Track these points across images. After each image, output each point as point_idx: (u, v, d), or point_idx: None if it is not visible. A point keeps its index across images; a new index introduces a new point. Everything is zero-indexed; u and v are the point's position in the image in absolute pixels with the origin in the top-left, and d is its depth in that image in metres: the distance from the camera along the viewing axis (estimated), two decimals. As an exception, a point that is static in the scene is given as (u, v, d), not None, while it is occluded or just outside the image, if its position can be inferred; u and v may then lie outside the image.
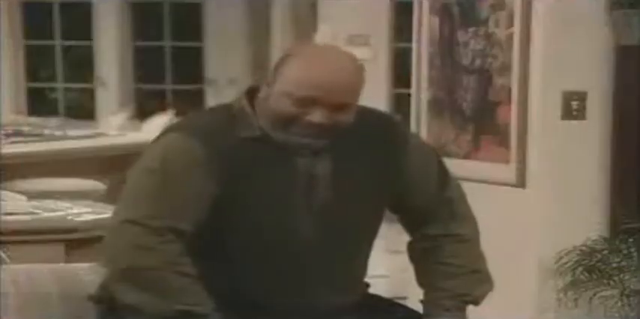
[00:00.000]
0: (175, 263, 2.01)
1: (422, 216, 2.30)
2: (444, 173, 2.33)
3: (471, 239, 2.32)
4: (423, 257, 2.31)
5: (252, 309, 2.12)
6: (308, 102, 2.06)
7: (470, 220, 2.34)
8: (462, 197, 2.36)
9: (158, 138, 2.16)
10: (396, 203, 2.29)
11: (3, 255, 3.45)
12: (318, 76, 2.07)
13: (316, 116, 2.07)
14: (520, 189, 3.88)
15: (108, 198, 5.52)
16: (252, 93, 2.18)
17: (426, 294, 2.30)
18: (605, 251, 3.73)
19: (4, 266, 2.48)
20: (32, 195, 4.74)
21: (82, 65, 11.25)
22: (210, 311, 2.02)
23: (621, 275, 3.66)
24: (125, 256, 2.02)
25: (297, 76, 2.07)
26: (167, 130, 2.17)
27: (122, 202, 2.11)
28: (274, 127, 2.09)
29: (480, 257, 2.32)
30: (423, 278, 2.32)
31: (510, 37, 3.85)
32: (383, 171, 2.22)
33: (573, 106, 3.84)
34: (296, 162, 2.12)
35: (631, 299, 3.62)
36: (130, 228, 2.02)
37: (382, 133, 2.23)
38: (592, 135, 3.90)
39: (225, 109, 2.18)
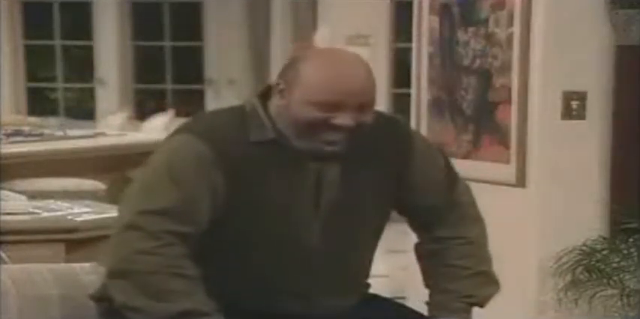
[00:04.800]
0: (174, 265, 2.00)
1: (430, 218, 2.30)
2: (451, 175, 2.33)
3: (478, 241, 2.31)
4: (430, 259, 2.31)
5: (255, 312, 2.12)
6: (334, 107, 2.05)
7: (478, 222, 2.34)
8: (471, 199, 2.35)
9: (167, 139, 2.15)
10: (402, 205, 2.29)
11: (3, 255, 3.45)
12: (340, 80, 2.06)
13: (343, 118, 2.05)
14: (520, 189, 3.88)
15: (108, 198, 5.52)
16: (264, 95, 2.17)
17: (431, 296, 2.30)
18: (605, 251, 3.73)
19: (4, 266, 2.47)
20: (32, 195, 4.74)
21: (82, 65, 11.24)
22: (210, 311, 2.01)
23: (621, 275, 3.66)
24: (124, 260, 2.01)
25: (320, 82, 2.05)
26: (176, 132, 2.16)
27: (125, 203, 2.11)
28: (299, 136, 2.08)
29: (486, 259, 2.32)
30: (429, 279, 2.32)
31: (510, 37, 3.86)
32: (389, 173, 2.21)
33: (573, 106, 3.84)
34: (305, 166, 2.11)
35: (631, 299, 3.62)
36: (131, 232, 2.02)
37: (387, 135, 2.22)
38: (592, 135, 3.90)
39: (236, 111, 2.17)
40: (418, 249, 2.35)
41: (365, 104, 2.09)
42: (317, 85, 2.05)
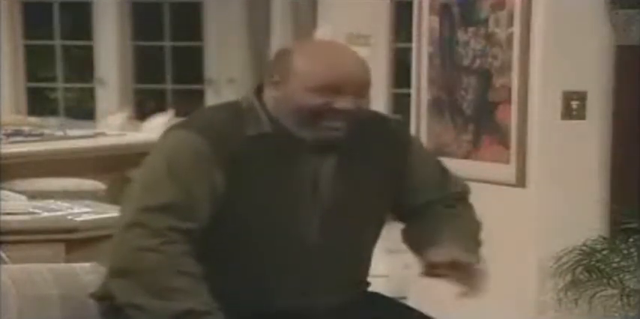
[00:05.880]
0: (177, 263, 2.00)
1: (421, 210, 2.31)
2: (446, 174, 2.35)
3: (470, 219, 2.31)
4: (417, 225, 2.29)
5: (255, 310, 2.12)
6: (333, 91, 2.07)
7: (472, 209, 2.36)
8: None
9: (163, 136, 2.16)
10: (400, 204, 2.29)
11: (3, 255, 3.44)
12: (335, 64, 2.09)
13: (343, 102, 2.08)
14: (520, 189, 3.88)
15: (108, 198, 5.52)
16: (259, 90, 2.18)
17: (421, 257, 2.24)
18: (605, 251, 3.73)
19: (4, 266, 2.47)
20: (32, 195, 4.74)
21: (82, 65, 11.23)
22: (213, 309, 2.01)
23: (621, 275, 3.66)
24: (127, 258, 2.02)
25: (316, 68, 2.08)
26: (173, 128, 2.16)
27: (127, 202, 2.10)
28: (301, 125, 2.09)
29: (478, 239, 2.28)
30: (416, 245, 2.25)
31: (510, 37, 3.86)
32: (387, 171, 2.22)
33: (573, 106, 3.84)
34: (303, 160, 2.12)
35: (631, 299, 3.62)
36: (134, 229, 2.02)
37: (385, 134, 2.24)
38: (592, 134, 3.90)
39: (233, 107, 2.18)
40: (404, 232, 2.34)
41: (362, 88, 2.12)
42: (314, 71, 2.08)
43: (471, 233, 2.26)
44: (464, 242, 2.19)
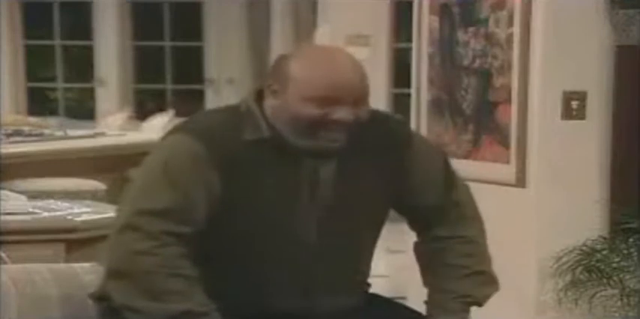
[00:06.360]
0: (172, 266, 2.00)
1: (429, 218, 2.30)
2: (450, 174, 2.33)
3: (477, 241, 2.31)
4: (429, 258, 2.31)
5: (255, 311, 2.12)
6: (331, 102, 2.05)
7: (477, 222, 2.34)
8: (470, 198, 2.35)
9: (163, 139, 2.16)
10: (402, 205, 2.29)
11: (3, 255, 3.44)
12: (334, 74, 2.07)
13: (341, 113, 2.06)
14: (520, 189, 3.88)
15: (108, 198, 5.52)
16: (258, 95, 2.17)
17: (430, 295, 2.30)
18: (605, 251, 3.73)
19: (4, 266, 2.47)
20: (32, 195, 4.73)
21: (82, 65, 11.24)
22: (209, 311, 2.01)
23: (621, 275, 3.66)
24: (122, 261, 2.02)
25: (314, 78, 2.06)
26: (172, 132, 2.16)
27: (123, 204, 2.11)
28: (298, 134, 2.08)
29: (485, 258, 2.32)
30: (428, 278, 2.32)
31: (510, 37, 3.86)
32: (386, 172, 2.21)
33: (573, 106, 3.84)
34: (301, 164, 2.11)
35: (631, 299, 3.62)
36: (128, 232, 2.02)
37: (386, 134, 2.22)
38: (592, 135, 3.90)
39: (232, 111, 2.17)
40: (417, 248, 2.35)
41: (360, 98, 2.10)
42: (311, 81, 2.06)
43: (474, 273, 2.28)
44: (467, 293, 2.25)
